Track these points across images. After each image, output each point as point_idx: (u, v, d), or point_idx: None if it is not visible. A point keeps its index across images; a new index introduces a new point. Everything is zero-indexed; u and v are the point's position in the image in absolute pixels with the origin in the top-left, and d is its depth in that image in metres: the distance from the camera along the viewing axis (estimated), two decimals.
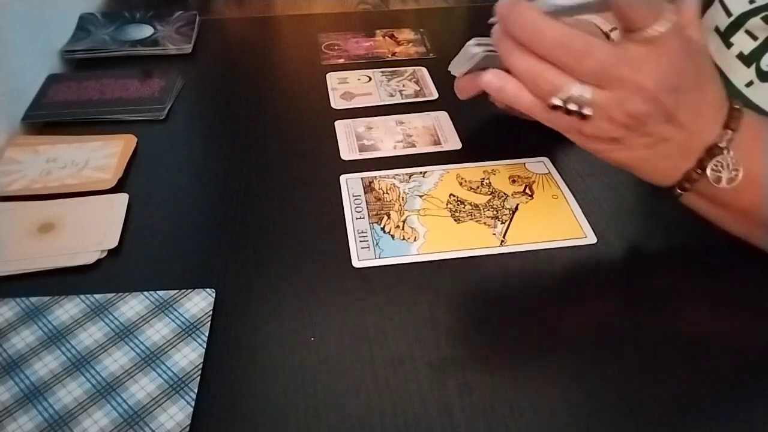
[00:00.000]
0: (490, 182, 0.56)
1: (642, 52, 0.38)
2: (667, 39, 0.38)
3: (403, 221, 0.52)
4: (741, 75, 0.55)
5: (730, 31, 0.57)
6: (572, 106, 0.39)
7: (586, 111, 0.39)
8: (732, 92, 0.57)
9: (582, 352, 0.43)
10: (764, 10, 0.54)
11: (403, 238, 0.51)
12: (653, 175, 0.45)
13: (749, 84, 0.54)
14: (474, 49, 0.48)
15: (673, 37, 0.38)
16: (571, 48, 0.38)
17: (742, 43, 0.56)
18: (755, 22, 0.54)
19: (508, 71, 0.42)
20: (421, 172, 0.57)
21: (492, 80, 0.42)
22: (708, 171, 0.41)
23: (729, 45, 0.57)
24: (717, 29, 0.59)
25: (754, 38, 0.55)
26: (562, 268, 0.48)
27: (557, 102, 0.39)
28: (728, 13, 0.57)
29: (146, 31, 0.80)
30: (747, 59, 0.55)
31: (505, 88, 0.42)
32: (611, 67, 0.38)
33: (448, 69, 0.52)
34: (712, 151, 0.41)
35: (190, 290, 0.46)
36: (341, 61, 0.75)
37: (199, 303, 0.45)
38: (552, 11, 0.40)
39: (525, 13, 0.39)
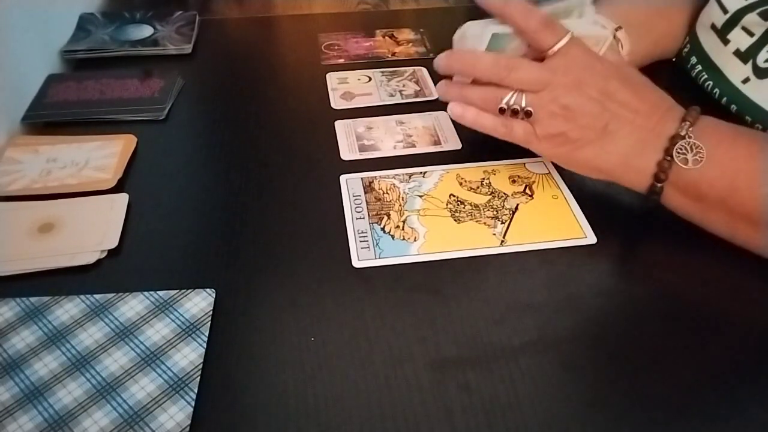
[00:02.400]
0: (490, 182, 0.56)
1: (554, 60, 0.48)
2: (570, 47, 0.48)
3: (403, 221, 0.52)
4: (737, 72, 0.55)
5: (727, 28, 0.57)
6: (516, 107, 0.49)
7: (528, 108, 0.48)
8: (728, 89, 0.57)
9: (582, 351, 0.43)
10: (760, 6, 0.54)
11: (403, 238, 0.51)
12: (629, 176, 0.48)
13: (746, 80, 0.54)
14: (488, 30, 0.50)
15: (574, 46, 0.48)
16: (499, 66, 0.49)
17: (739, 39, 0.56)
18: (751, 18, 0.54)
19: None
20: (421, 172, 0.57)
21: (455, 108, 0.52)
22: (674, 155, 0.46)
23: (726, 42, 0.57)
24: (713, 26, 0.59)
25: (751, 34, 0.55)
26: (562, 268, 0.48)
27: (503, 104, 0.49)
28: (724, 10, 0.57)
29: (146, 31, 0.80)
30: (743, 56, 0.55)
31: (465, 114, 0.51)
32: (535, 73, 0.48)
33: (453, 38, 0.54)
34: (674, 139, 0.46)
35: (190, 290, 0.46)
36: (341, 61, 0.75)
37: (199, 303, 0.45)
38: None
39: (460, 52, 0.52)
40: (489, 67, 0.49)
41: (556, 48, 0.48)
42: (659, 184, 0.47)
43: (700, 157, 0.45)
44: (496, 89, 0.49)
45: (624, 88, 0.47)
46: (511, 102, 0.49)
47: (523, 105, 0.48)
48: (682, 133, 0.45)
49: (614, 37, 0.57)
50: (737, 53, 0.56)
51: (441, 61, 0.52)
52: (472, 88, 0.51)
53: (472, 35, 0.51)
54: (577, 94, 0.47)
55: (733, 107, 0.58)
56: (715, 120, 0.47)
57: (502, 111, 0.49)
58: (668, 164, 0.46)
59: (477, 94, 0.51)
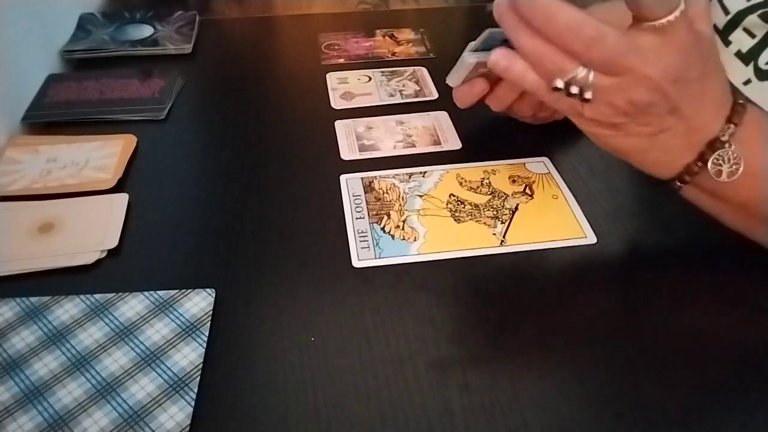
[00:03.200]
0: (490, 182, 0.56)
1: (650, 41, 0.38)
2: (677, 30, 0.38)
3: (403, 221, 0.52)
4: (739, 73, 0.55)
5: (728, 29, 0.57)
6: (574, 89, 0.40)
7: (587, 95, 0.40)
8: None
9: (582, 351, 0.43)
10: (761, 8, 0.54)
11: (403, 238, 0.51)
12: (653, 167, 0.45)
13: (747, 82, 0.54)
14: (469, 58, 0.48)
15: (682, 28, 0.39)
16: (581, 35, 0.38)
17: (740, 41, 0.56)
18: (753, 20, 0.54)
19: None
20: (421, 172, 0.57)
21: (499, 60, 0.42)
22: (709, 164, 0.42)
23: (727, 43, 0.57)
24: (715, 27, 0.59)
25: (752, 36, 0.55)
26: (562, 268, 0.48)
27: (559, 84, 0.40)
28: (726, 11, 0.57)
29: (146, 31, 0.80)
30: (745, 57, 0.55)
31: (511, 67, 0.42)
32: (619, 56, 0.38)
33: (446, 82, 0.53)
34: (714, 144, 0.42)
35: (190, 290, 0.46)
36: (341, 61, 0.75)
37: (199, 303, 0.45)
38: None
39: None
40: (566, 31, 0.39)
41: (664, 21, 0.38)
42: (680, 183, 0.44)
43: (735, 168, 0.41)
44: (562, 56, 0.39)
45: (699, 90, 0.41)
46: (575, 82, 0.39)
47: (586, 92, 0.40)
48: (724, 139, 0.41)
49: None
50: (738, 55, 0.56)
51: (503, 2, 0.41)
52: (532, 37, 0.40)
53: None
54: (654, 95, 0.40)
55: None
56: (760, 118, 0.43)
57: (555, 89, 0.40)
58: (698, 169, 0.42)
59: (537, 49, 0.40)
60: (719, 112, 0.42)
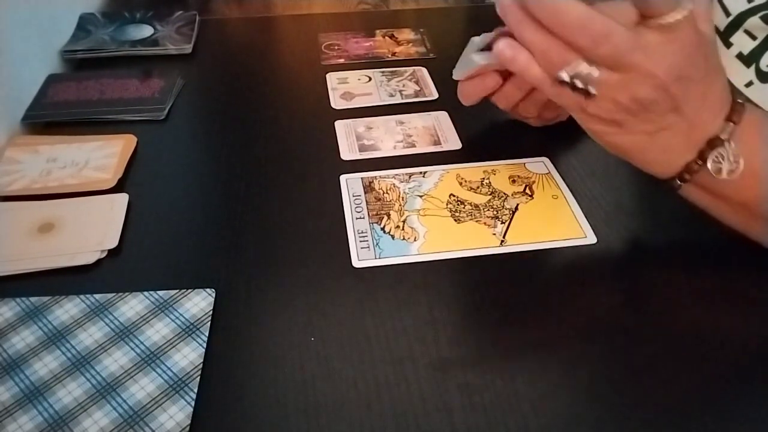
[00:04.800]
0: (490, 182, 0.56)
1: (656, 39, 0.39)
2: (682, 28, 0.39)
3: (403, 221, 0.52)
4: (740, 75, 0.55)
5: (729, 31, 0.57)
6: (578, 83, 0.40)
7: (592, 90, 0.40)
8: None
9: (582, 351, 0.43)
10: (763, 9, 0.53)
11: (403, 238, 0.51)
12: (654, 166, 0.45)
13: (749, 84, 0.54)
14: (475, 57, 0.48)
15: (688, 27, 0.39)
16: (589, 31, 0.38)
17: (742, 43, 0.56)
18: (754, 22, 0.54)
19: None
20: (421, 172, 0.57)
21: (505, 50, 0.42)
22: (709, 162, 0.42)
23: (728, 45, 0.57)
24: (716, 29, 0.59)
25: (753, 38, 0.55)
26: (562, 268, 0.48)
27: (565, 77, 0.40)
28: (727, 13, 0.57)
29: (146, 31, 0.80)
30: (746, 59, 0.55)
31: (517, 58, 0.42)
32: (625, 53, 0.39)
33: (452, 77, 0.52)
34: (714, 142, 0.42)
35: (190, 290, 0.46)
36: (341, 61, 0.75)
37: (199, 303, 0.45)
38: None
39: None
40: (574, 27, 0.39)
41: (668, 18, 0.38)
42: (680, 182, 0.45)
43: (735, 166, 0.41)
44: (566, 50, 0.40)
45: (702, 89, 0.41)
46: (579, 76, 0.40)
47: (591, 89, 0.40)
48: (723, 137, 0.41)
49: None
50: (740, 57, 0.56)
51: None
52: (537, 31, 0.40)
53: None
54: (658, 93, 0.40)
55: None
56: (759, 118, 0.43)
57: (560, 81, 0.41)
58: (698, 167, 0.43)
59: (542, 43, 0.40)
60: (719, 111, 0.43)
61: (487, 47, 0.47)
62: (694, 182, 0.44)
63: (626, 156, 0.45)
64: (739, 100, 0.43)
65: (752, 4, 0.55)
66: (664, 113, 0.41)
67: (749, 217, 0.45)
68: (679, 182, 0.45)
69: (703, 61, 0.41)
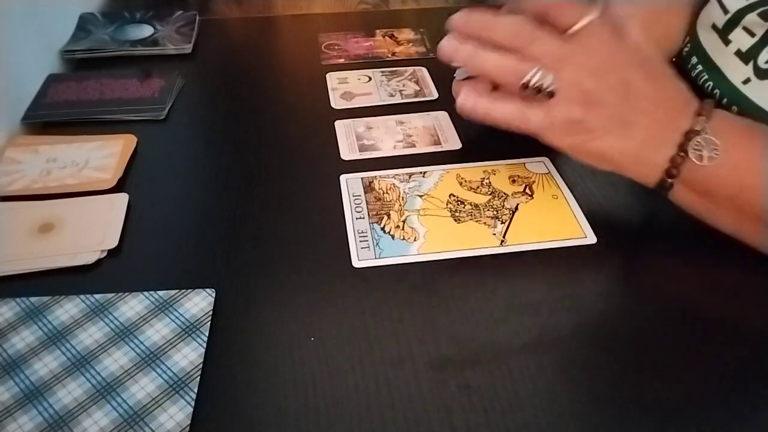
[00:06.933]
0: (490, 182, 0.56)
1: (576, 39, 0.45)
2: (593, 28, 0.45)
3: (403, 221, 0.52)
4: (739, 72, 0.55)
5: (728, 28, 0.57)
6: (540, 84, 0.45)
7: (552, 88, 0.45)
8: (729, 90, 0.57)
9: (582, 351, 0.43)
10: (761, 6, 0.53)
11: (403, 238, 0.51)
12: (640, 167, 0.47)
13: (746, 81, 0.54)
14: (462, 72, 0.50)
15: (597, 27, 0.45)
16: (522, 33, 0.45)
17: (740, 39, 0.56)
18: (752, 19, 0.54)
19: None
20: (421, 172, 0.57)
21: (464, 104, 0.48)
22: (690, 151, 0.44)
23: (727, 42, 0.57)
24: (714, 26, 0.59)
25: (752, 35, 0.55)
26: (562, 268, 0.48)
27: (526, 79, 0.45)
28: (725, 10, 0.57)
29: (146, 31, 0.80)
30: (745, 56, 0.55)
31: (478, 103, 0.48)
32: (555, 49, 0.45)
33: (454, 76, 0.53)
34: (690, 134, 0.44)
35: (190, 290, 0.46)
36: (341, 61, 0.75)
37: (199, 303, 0.45)
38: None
39: (480, 14, 0.48)
40: (511, 33, 0.45)
41: (577, 27, 0.45)
42: (670, 180, 0.46)
43: (715, 153, 0.44)
44: (518, 60, 0.45)
45: (645, 79, 0.45)
46: (536, 78, 0.45)
47: (549, 83, 0.45)
48: (698, 128, 0.44)
49: None
50: (738, 54, 0.56)
51: (458, 17, 0.48)
52: (488, 52, 0.46)
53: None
54: (598, 79, 0.45)
55: (734, 108, 0.58)
56: (728, 114, 0.47)
57: (525, 86, 0.45)
58: (681, 160, 0.45)
59: (494, 60, 0.46)
60: (684, 108, 0.45)
61: None
62: (682, 180, 0.45)
63: (612, 164, 0.47)
64: (708, 102, 0.46)
65: (750, 1, 0.55)
66: (616, 105, 0.45)
67: (739, 215, 0.46)
68: (669, 180, 0.46)
69: (624, 53, 0.46)
